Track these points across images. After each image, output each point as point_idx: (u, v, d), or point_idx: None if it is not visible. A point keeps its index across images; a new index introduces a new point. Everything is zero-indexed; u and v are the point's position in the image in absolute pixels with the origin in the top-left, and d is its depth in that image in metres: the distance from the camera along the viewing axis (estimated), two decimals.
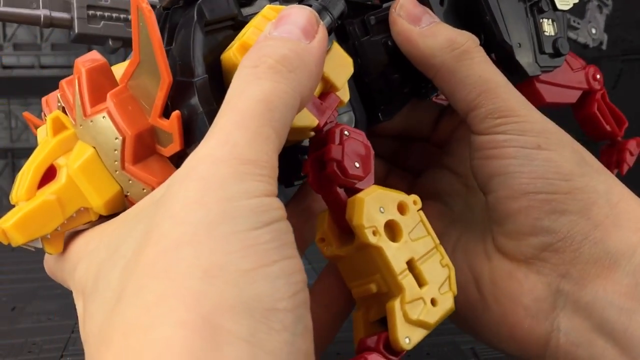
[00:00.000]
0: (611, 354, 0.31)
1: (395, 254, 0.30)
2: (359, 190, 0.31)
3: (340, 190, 0.31)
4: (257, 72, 0.26)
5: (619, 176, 0.37)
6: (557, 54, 0.42)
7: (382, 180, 0.45)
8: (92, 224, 0.31)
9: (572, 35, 0.54)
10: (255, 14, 0.32)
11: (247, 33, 0.29)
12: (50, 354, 0.53)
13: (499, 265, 0.35)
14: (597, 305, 0.32)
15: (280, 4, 0.35)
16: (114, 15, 0.37)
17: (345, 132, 0.31)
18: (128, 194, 0.31)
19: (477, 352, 0.52)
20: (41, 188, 0.31)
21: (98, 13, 0.36)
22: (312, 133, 0.31)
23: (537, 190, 0.33)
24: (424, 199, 0.42)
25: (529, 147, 0.33)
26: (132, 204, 0.31)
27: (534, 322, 0.33)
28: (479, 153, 0.35)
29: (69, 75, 0.33)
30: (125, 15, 0.37)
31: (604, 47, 0.56)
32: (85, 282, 0.28)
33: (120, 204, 0.31)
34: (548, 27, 0.42)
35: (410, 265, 0.31)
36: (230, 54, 0.29)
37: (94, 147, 0.31)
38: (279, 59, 0.27)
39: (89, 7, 0.36)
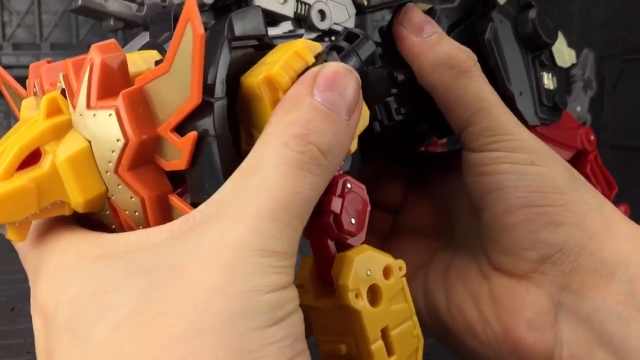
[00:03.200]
0: None
1: (373, 320, 0.30)
2: (349, 247, 0.30)
3: (331, 244, 0.30)
4: (302, 161, 0.26)
5: None
6: (556, 108, 0.43)
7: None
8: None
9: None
10: (279, 36, 0.31)
11: (276, 66, 0.28)
12: None
13: (498, 282, 0.35)
14: (597, 315, 0.32)
15: (305, 31, 0.33)
16: None
17: (348, 185, 0.30)
18: (112, 197, 0.29)
19: None
20: (20, 170, 0.28)
21: None
22: None
23: (533, 204, 0.34)
24: (407, 234, 0.42)
25: (523, 164, 0.34)
26: (112, 207, 0.29)
27: (538, 336, 0.34)
28: (473, 170, 0.36)
29: None
30: None
31: (587, 124, 0.57)
32: (51, 305, 0.26)
33: (100, 205, 0.29)
34: (548, 81, 0.43)
35: (384, 333, 0.30)
36: (254, 83, 0.28)
37: (89, 141, 0.28)
38: (325, 150, 0.26)
39: None
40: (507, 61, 0.39)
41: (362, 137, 0.36)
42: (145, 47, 0.33)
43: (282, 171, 0.25)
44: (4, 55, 0.81)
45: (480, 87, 0.36)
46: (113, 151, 0.28)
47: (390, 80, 0.37)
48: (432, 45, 0.36)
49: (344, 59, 0.30)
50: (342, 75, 0.28)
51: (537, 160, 0.35)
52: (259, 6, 0.30)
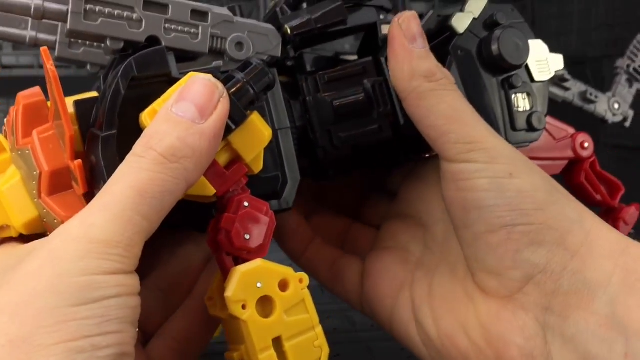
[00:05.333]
0: None
1: (260, 330, 0.31)
2: (246, 261, 0.32)
3: (228, 258, 0.32)
4: (140, 162, 0.28)
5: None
6: (532, 129, 0.40)
7: (343, 235, 0.46)
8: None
9: (589, 107, 0.51)
10: (195, 70, 0.34)
11: (159, 100, 0.31)
12: None
13: (484, 306, 0.35)
14: (582, 337, 0.32)
15: (225, 63, 0.36)
16: (95, 43, 0.39)
17: (245, 203, 0.32)
18: (45, 220, 0.34)
19: None
20: None
21: (80, 41, 0.39)
22: (214, 199, 0.33)
23: (515, 223, 0.33)
24: (386, 249, 0.43)
25: (501, 177, 0.34)
26: (49, 228, 0.34)
27: None
28: (451, 185, 0.35)
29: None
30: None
31: (627, 123, 0.52)
32: None
33: (40, 227, 0.34)
34: (522, 102, 0.40)
35: (278, 343, 0.32)
36: (141, 116, 0.31)
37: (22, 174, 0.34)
38: (163, 151, 0.29)
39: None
40: (470, 93, 0.38)
41: (311, 162, 0.38)
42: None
43: (122, 172, 0.28)
44: (4, 55, 0.82)
45: (455, 99, 0.36)
46: (34, 181, 0.33)
47: (332, 107, 0.38)
48: (419, 57, 0.36)
49: (231, 87, 0.32)
50: (195, 84, 0.30)
51: (515, 171, 0.34)
52: (163, 47, 0.33)
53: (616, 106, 0.51)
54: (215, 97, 0.30)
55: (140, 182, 0.28)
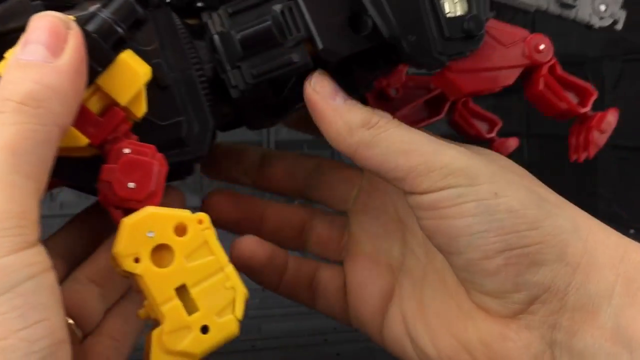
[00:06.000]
0: None
1: (159, 281, 0.29)
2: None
3: (117, 212, 0.30)
4: (1, 118, 0.26)
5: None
6: (469, 36, 0.35)
7: (303, 231, 0.43)
8: None
9: (568, 14, 0.43)
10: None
11: (11, 49, 0.29)
12: None
13: (485, 325, 0.33)
14: (588, 353, 0.31)
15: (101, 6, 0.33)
16: None
17: (125, 150, 0.30)
18: None
19: None
20: None
21: None
22: (91, 151, 0.31)
23: (511, 247, 0.31)
24: (365, 256, 0.40)
25: (487, 198, 0.31)
26: None
27: None
28: (430, 213, 0.33)
29: None
30: None
31: (619, 26, 0.44)
32: None
33: None
34: (452, 6, 0.35)
35: (182, 291, 0.29)
36: None
37: None
38: (22, 99, 0.26)
39: None
40: (385, 4, 0.33)
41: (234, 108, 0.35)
42: None
43: None
44: None
45: (402, 133, 0.33)
46: None
47: (239, 41, 0.34)
48: (348, 110, 0.33)
49: (93, 26, 0.30)
50: (37, 22, 0.28)
51: (499, 190, 0.32)
52: None
53: (602, 7, 0.43)
54: (61, 31, 0.28)
55: (8, 140, 0.25)
